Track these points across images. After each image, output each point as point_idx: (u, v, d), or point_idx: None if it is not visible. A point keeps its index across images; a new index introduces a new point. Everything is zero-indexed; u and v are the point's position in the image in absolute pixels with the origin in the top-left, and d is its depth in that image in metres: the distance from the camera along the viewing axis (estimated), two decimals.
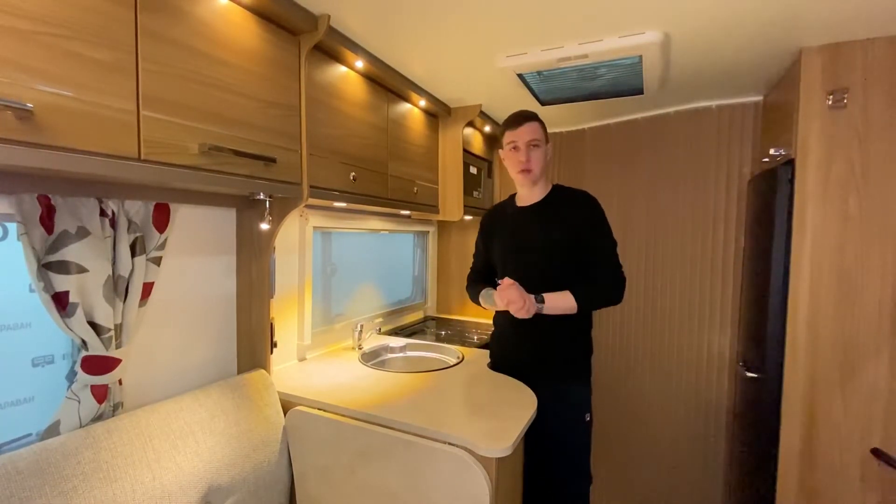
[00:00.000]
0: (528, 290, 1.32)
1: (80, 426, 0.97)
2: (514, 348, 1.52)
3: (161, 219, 1.13)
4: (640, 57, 1.49)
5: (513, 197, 1.57)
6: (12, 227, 0.97)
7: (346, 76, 1.51)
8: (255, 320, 1.40)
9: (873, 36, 1.36)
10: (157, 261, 1.13)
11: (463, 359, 1.72)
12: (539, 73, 1.67)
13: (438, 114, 2.10)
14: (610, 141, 2.40)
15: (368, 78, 1.62)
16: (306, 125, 1.29)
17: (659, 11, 1.25)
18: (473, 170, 2.36)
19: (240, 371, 1.43)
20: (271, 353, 1.41)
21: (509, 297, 1.30)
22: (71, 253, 0.93)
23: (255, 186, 1.15)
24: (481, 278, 1.67)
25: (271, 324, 1.41)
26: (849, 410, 1.41)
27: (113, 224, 1.02)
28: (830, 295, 1.42)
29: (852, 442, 1.40)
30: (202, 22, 0.99)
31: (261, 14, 1.14)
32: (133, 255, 1.06)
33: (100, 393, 1.00)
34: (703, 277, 2.15)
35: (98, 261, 0.97)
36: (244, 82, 1.10)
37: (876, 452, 1.36)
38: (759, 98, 1.98)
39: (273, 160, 1.16)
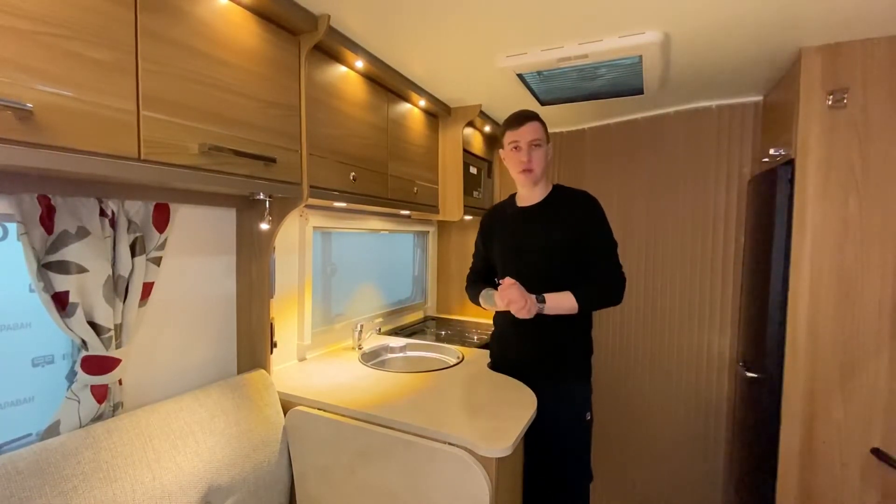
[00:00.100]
0: (529, 291, 1.32)
1: (80, 426, 0.97)
2: (514, 348, 1.52)
3: (161, 219, 1.13)
4: (640, 57, 1.49)
5: (513, 197, 1.57)
6: (12, 227, 0.97)
7: (346, 76, 1.51)
8: (255, 320, 1.40)
9: (873, 36, 1.36)
10: (157, 261, 1.13)
11: (463, 359, 1.72)
12: (539, 73, 1.67)
13: (438, 114, 2.10)
14: (610, 141, 2.40)
15: (368, 78, 1.62)
16: (306, 125, 1.29)
17: (659, 11, 1.25)
18: (473, 170, 2.36)
19: (240, 371, 1.43)
20: (271, 353, 1.41)
21: (510, 296, 1.30)
22: (71, 253, 0.93)
23: (255, 186, 1.15)
24: (481, 278, 1.67)
25: (271, 324, 1.41)
26: (849, 410, 1.41)
27: (113, 224, 1.02)
28: (830, 295, 1.42)
29: (852, 442, 1.40)
30: (202, 22, 0.99)
31: (261, 14, 1.14)
32: (133, 255, 1.06)
33: (100, 393, 1.00)
34: (703, 277, 2.15)
35: (98, 261, 0.97)
36: (244, 82, 1.10)
37: (876, 452, 1.36)
38: (759, 98, 1.98)
39: (273, 160, 1.16)
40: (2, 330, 0.99)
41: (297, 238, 1.69)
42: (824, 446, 1.44)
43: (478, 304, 1.60)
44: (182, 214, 1.26)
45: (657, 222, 2.27)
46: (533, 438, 1.31)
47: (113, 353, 1.01)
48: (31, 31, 0.71)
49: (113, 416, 1.04)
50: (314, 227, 1.76)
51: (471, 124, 2.30)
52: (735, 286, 2.07)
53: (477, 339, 2.21)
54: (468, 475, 1.04)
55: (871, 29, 1.32)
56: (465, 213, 2.20)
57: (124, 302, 1.05)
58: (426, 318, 2.66)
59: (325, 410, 1.27)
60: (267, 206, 1.29)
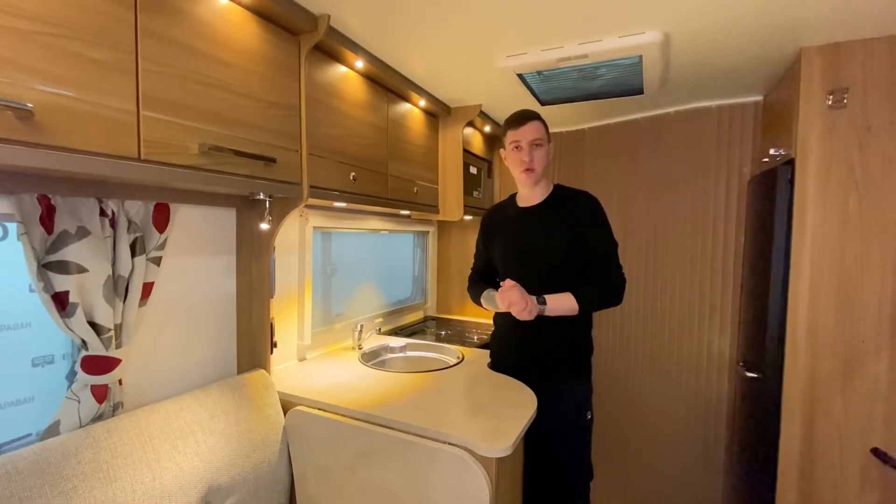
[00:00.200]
0: (530, 292, 1.32)
1: (80, 426, 0.97)
2: (514, 348, 1.52)
3: (161, 219, 1.13)
4: (640, 57, 1.48)
5: (513, 196, 1.57)
6: (12, 227, 0.97)
7: (346, 76, 1.51)
8: (255, 320, 1.40)
9: (873, 36, 1.36)
10: (157, 261, 1.13)
11: (463, 359, 1.72)
12: (539, 73, 1.67)
13: (438, 114, 2.10)
14: (610, 141, 2.40)
15: (368, 78, 1.62)
16: (306, 125, 1.29)
17: (659, 11, 1.25)
18: (473, 170, 2.36)
19: (240, 371, 1.43)
20: (271, 353, 1.41)
21: (511, 298, 1.29)
22: (71, 253, 0.93)
23: (255, 186, 1.15)
24: (482, 278, 1.67)
25: (271, 324, 1.41)
26: (849, 410, 1.41)
27: (113, 224, 1.02)
28: (830, 295, 1.42)
29: (852, 442, 1.40)
30: (202, 22, 0.99)
31: (261, 14, 1.14)
32: (133, 255, 1.06)
33: (100, 393, 1.00)
34: (703, 277, 2.15)
35: (98, 261, 0.97)
36: (244, 82, 1.10)
37: (876, 452, 1.36)
38: (759, 98, 1.98)
39: (273, 160, 1.16)
40: (2, 330, 0.99)
41: (297, 238, 1.69)
42: (824, 446, 1.44)
43: (480, 304, 1.60)
44: (182, 214, 1.26)
45: (657, 222, 2.27)
46: (533, 438, 1.31)
47: (113, 353, 1.01)
48: (31, 31, 0.71)
49: (113, 416, 1.04)
50: (314, 227, 1.76)
51: (471, 124, 2.30)
52: (735, 286, 2.07)
53: (477, 339, 2.21)
54: (468, 475, 1.04)
55: (871, 29, 1.32)
56: (465, 213, 2.20)
57: (124, 302, 1.05)
58: (426, 318, 2.66)
59: (325, 410, 1.27)
60: (267, 206, 1.29)
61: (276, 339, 1.52)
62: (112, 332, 1.01)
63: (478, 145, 2.44)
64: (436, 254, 2.78)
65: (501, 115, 2.28)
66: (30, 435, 1.01)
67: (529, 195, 1.49)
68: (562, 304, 1.34)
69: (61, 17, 0.74)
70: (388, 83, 1.70)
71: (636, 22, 1.31)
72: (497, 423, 1.14)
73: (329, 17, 1.26)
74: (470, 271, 1.73)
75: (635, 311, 2.34)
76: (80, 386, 0.98)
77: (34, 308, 0.96)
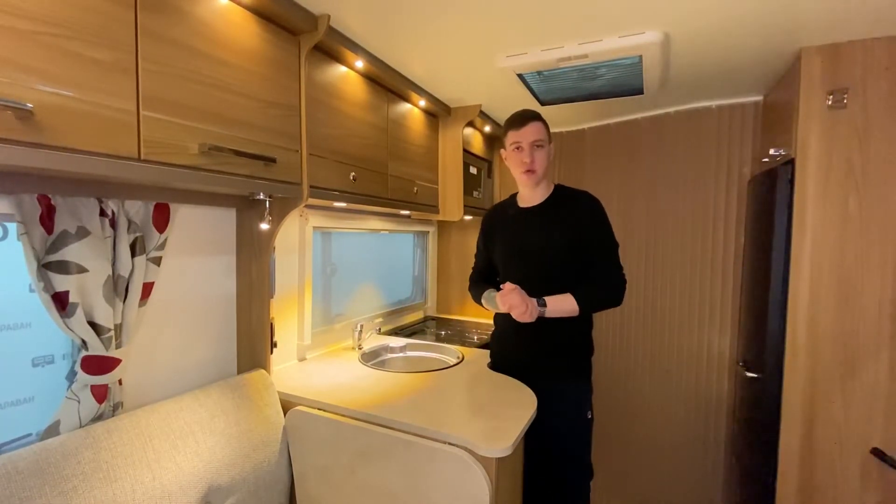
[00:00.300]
0: (530, 292, 1.32)
1: (80, 426, 0.97)
2: (514, 348, 1.52)
3: (161, 219, 1.13)
4: (640, 57, 1.49)
5: (514, 197, 1.57)
6: (12, 227, 0.97)
7: (346, 76, 1.51)
8: (255, 320, 1.40)
9: (873, 36, 1.36)
10: (157, 261, 1.13)
11: (463, 359, 1.72)
12: (539, 73, 1.67)
13: (438, 114, 2.10)
14: (610, 141, 2.40)
15: (368, 78, 1.62)
16: (306, 125, 1.29)
17: (659, 11, 1.25)
18: (473, 170, 2.36)
19: (240, 371, 1.43)
20: (271, 353, 1.41)
21: (511, 302, 1.29)
22: (71, 253, 0.93)
23: (255, 186, 1.15)
24: (483, 278, 1.66)
25: (271, 324, 1.41)
26: (849, 410, 1.41)
27: (113, 224, 1.02)
28: (830, 295, 1.42)
29: (852, 442, 1.40)
30: (202, 22, 0.99)
31: (261, 14, 1.14)
32: (133, 255, 1.06)
33: (100, 393, 1.00)
34: (703, 277, 2.15)
35: (98, 261, 0.97)
36: (244, 82, 1.10)
37: (876, 452, 1.36)
38: (759, 98, 1.98)
39: (273, 160, 1.16)
40: (2, 330, 0.99)
41: (297, 238, 1.69)
42: (824, 446, 1.44)
43: (481, 304, 1.60)
44: (182, 214, 1.26)
45: (657, 222, 2.27)
46: (533, 438, 1.31)
47: (113, 353, 1.01)
48: (31, 31, 0.71)
49: (113, 416, 1.04)
50: (314, 227, 1.76)
51: (471, 124, 2.30)
52: (735, 286, 2.07)
53: (477, 339, 2.21)
54: (468, 475, 1.04)
55: (871, 29, 1.32)
56: (465, 213, 2.20)
57: (124, 302, 1.05)
58: (426, 318, 2.66)
59: (325, 410, 1.27)
60: (267, 206, 1.29)
61: (276, 339, 1.52)
62: (112, 332, 1.01)
63: (478, 145, 2.44)
64: (436, 254, 2.78)
65: (501, 116, 2.28)
66: (30, 435, 1.01)
67: (530, 195, 1.48)
68: (562, 305, 1.33)
69: (61, 17, 0.74)
70: (387, 83, 1.70)
71: (636, 22, 1.31)
72: (497, 423, 1.14)
73: (329, 17, 1.26)
74: (471, 271, 1.73)
75: (635, 311, 2.34)
76: (80, 386, 0.98)
77: (34, 308, 0.96)
